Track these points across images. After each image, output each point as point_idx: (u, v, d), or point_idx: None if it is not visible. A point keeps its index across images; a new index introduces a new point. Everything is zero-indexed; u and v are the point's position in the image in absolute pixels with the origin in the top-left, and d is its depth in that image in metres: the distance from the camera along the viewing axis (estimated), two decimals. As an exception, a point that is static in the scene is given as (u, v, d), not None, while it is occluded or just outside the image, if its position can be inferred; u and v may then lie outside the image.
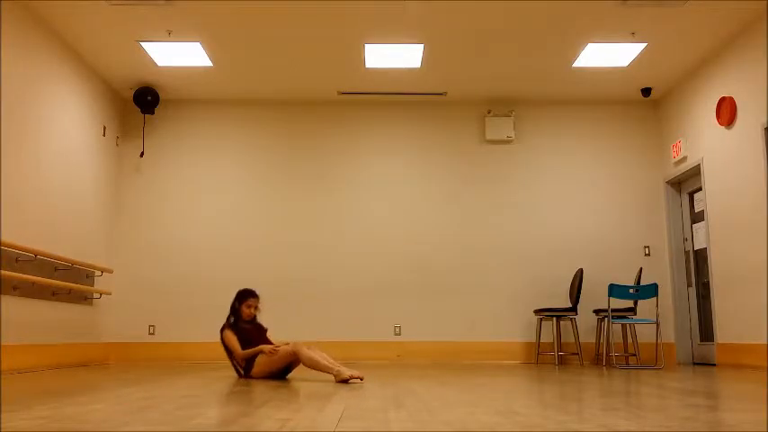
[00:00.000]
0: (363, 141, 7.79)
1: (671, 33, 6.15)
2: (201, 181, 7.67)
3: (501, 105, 7.84)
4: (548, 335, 7.31)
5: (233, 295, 7.41)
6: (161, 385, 3.74)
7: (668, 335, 7.34)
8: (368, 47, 6.40)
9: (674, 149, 7.35)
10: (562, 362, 7.17)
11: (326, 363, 4.14)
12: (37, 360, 5.75)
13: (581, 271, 6.99)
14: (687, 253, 7.37)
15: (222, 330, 4.67)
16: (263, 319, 7.56)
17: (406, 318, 7.36)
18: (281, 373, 4.48)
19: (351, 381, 4.01)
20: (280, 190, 7.67)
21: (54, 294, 6.06)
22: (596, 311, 7.03)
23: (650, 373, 5.34)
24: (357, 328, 7.34)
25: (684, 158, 7.17)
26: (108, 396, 3.07)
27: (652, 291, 6.29)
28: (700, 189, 7.07)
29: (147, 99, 7.31)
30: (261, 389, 3.52)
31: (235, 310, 4.79)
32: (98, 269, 6.84)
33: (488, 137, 7.72)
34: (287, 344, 4.44)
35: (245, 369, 4.55)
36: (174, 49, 6.44)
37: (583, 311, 7.32)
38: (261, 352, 4.43)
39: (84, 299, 6.71)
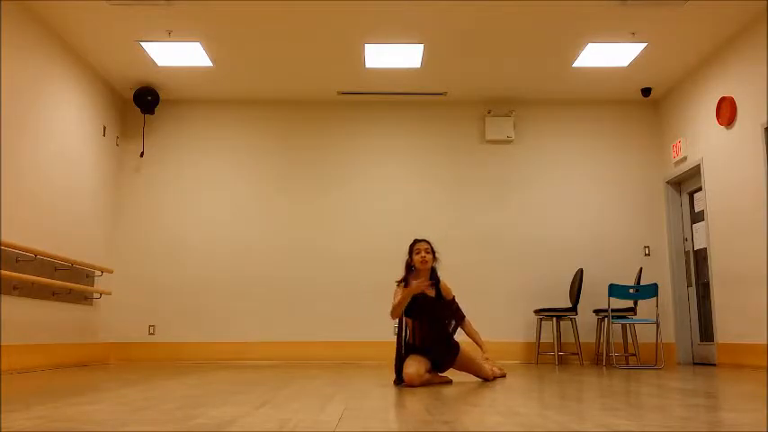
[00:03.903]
0: (363, 141, 7.79)
1: (671, 33, 6.15)
2: (201, 181, 7.67)
3: (501, 105, 7.84)
4: (548, 335, 7.30)
5: (233, 295, 7.47)
6: (161, 385, 3.74)
7: (668, 335, 7.33)
8: (368, 47, 6.40)
9: (674, 149, 7.35)
10: (562, 362, 7.17)
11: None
12: (37, 360, 5.75)
13: (581, 271, 6.99)
14: (687, 253, 7.37)
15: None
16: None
17: (406, 318, 7.35)
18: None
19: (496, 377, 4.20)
20: (279, 190, 7.67)
21: (54, 294, 6.06)
22: (596, 311, 7.02)
23: (650, 373, 5.34)
24: (358, 328, 7.33)
25: (684, 158, 7.17)
26: (108, 396, 3.07)
27: (652, 291, 6.29)
28: (700, 189, 7.06)
29: (147, 99, 7.31)
30: (261, 389, 3.52)
31: (408, 266, 4.19)
32: (98, 269, 6.84)
33: (488, 137, 7.71)
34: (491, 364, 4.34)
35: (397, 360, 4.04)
36: (174, 49, 6.44)
37: (583, 311, 7.32)
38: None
39: (84, 299, 6.71)
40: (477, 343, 4.25)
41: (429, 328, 4.08)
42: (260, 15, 5.83)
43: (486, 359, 4.23)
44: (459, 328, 4.25)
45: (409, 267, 4.17)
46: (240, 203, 7.64)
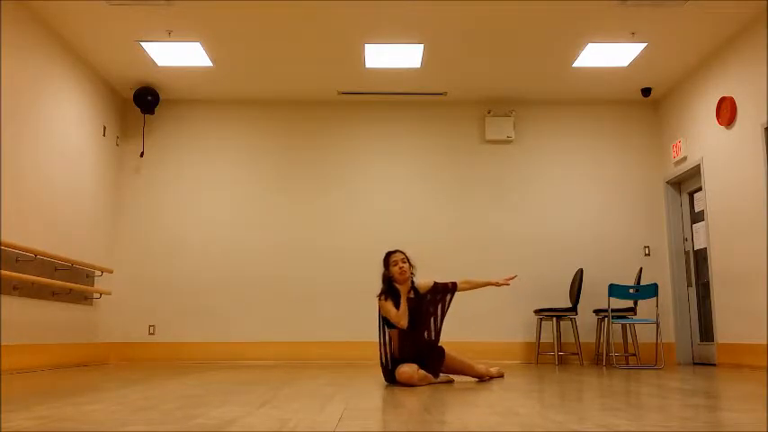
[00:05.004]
0: (363, 141, 7.78)
1: (671, 33, 6.15)
2: (201, 181, 7.67)
3: (501, 105, 7.84)
4: (548, 335, 7.30)
5: (233, 295, 7.47)
6: (161, 385, 3.75)
7: (668, 335, 7.33)
8: (368, 47, 6.40)
9: (674, 149, 7.35)
10: (562, 362, 7.17)
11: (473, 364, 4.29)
12: (37, 360, 5.75)
13: (581, 271, 6.99)
14: (687, 253, 7.37)
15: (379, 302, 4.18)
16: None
17: (406, 318, 7.35)
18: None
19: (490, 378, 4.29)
20: (279, 190, 7.67)
21: (54, 294, 6.06)
22: (596, 311, 7.02)
23: (650, 373, 5.34)
24: (358, 328, 7.33)
25: (684, 158, 7.17)
26: (108, 396, 3.07)
27: (652, 291, 6.29)
28: (700, 189, 7.07)
29: (147, 99, 7.31)
30: (261, 389, 3.52)
31: (386, 278, 4.19)
32: (98, 269, 6.84)
33: (488, 137, 7.71)
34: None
35: (391, 360, 4.07)
36: (174, 49, 6.44)
37: (583, 311, 7.32)
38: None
39: (85, 299, 6.71)
40: (482, 284, 4.32)
41: (412, 336, 4.08)
42: (260, 15, 5.83)
43: (508, 279, 4.32)
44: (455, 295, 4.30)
45: (387, 280, 4.17)
46: (240, 203, 7.64)
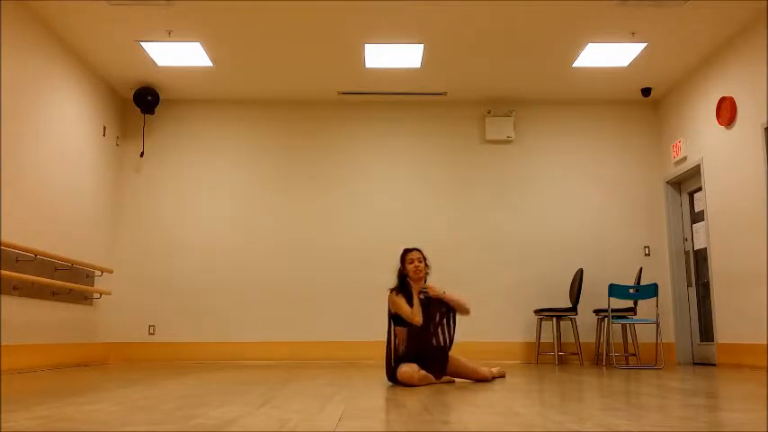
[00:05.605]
0: (363, 141, 7.79)
1: (671, 33, 6.15)
2: (201, 181, 7.67)
3: (501, 105, 7.84)
4: (548, 335, 7.30)
5: (233, 295, 7.48)
6: (161, 385, 3.75)
7: (668, 335, 7.33)
8: (368, 47, 6.40)
9: (674, 149, 7.35)
10: (562, 362, 7.17)
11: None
12: (37, 360, 5.75)
13: (581, 271, 6.99)
14: (687, 253, 7.37)
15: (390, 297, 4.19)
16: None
17: (406, 318, 7.34)
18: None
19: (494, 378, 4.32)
20: (279, 190, 7.67)
21: (54, 294, 6.06)
22: (596, 311, 7.02)
23: (650, 373, 5.34)
24: (358, 328, 7.33)
25: (684, 158, 7.17)
26: (108, 396, 3.07)
27: (652, 291, 6.29)
28: (700, 189, 7.07)
29: (147, 99, 7.31)
30: (261, 389, 3.52)
31: (401, 275, 4.23)
32: (98, 269, 6.84)
33: (488, 137, 7.71)
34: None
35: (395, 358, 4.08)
36: (174, 49, 6.44)
37: (583, 311, 7.32)
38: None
39: (85, 299, 6.71)
40: (456, 303, 4.22)
41: (418, 335, 4.09)
42: (260, 15, 5.83)
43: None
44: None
45: (401, 276, 4.21)
46: (240, 203, 7.63)
